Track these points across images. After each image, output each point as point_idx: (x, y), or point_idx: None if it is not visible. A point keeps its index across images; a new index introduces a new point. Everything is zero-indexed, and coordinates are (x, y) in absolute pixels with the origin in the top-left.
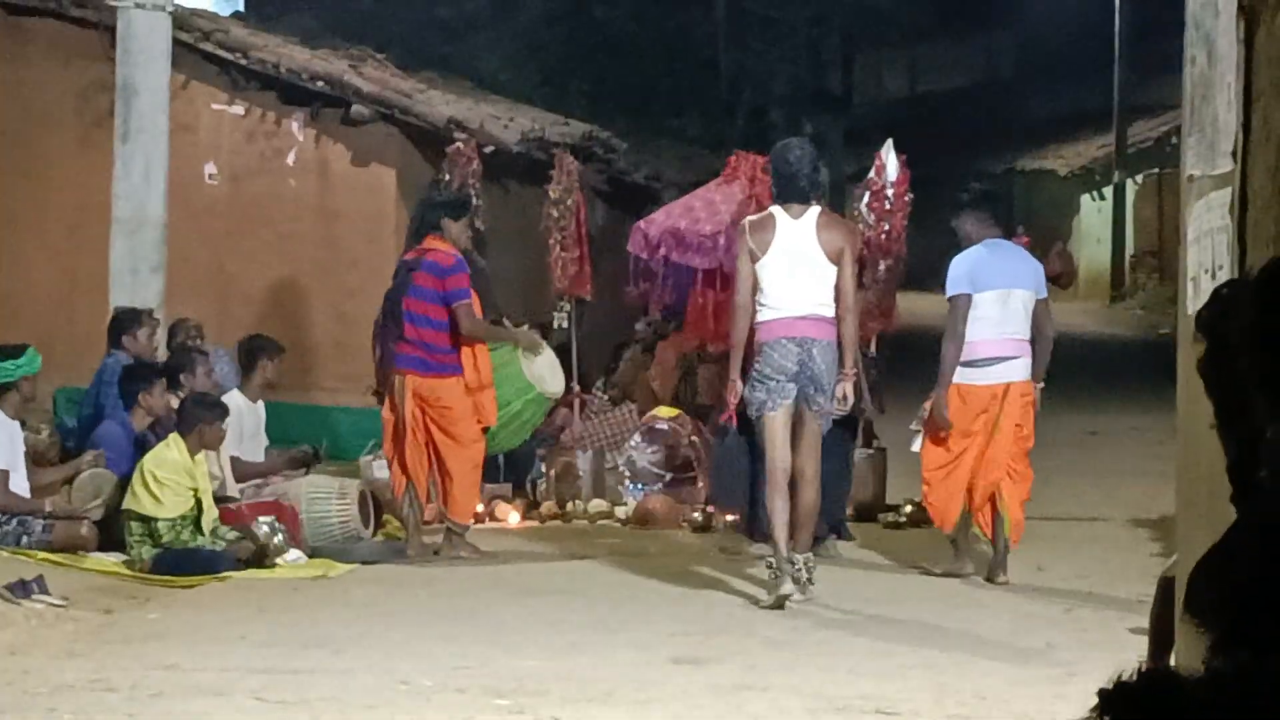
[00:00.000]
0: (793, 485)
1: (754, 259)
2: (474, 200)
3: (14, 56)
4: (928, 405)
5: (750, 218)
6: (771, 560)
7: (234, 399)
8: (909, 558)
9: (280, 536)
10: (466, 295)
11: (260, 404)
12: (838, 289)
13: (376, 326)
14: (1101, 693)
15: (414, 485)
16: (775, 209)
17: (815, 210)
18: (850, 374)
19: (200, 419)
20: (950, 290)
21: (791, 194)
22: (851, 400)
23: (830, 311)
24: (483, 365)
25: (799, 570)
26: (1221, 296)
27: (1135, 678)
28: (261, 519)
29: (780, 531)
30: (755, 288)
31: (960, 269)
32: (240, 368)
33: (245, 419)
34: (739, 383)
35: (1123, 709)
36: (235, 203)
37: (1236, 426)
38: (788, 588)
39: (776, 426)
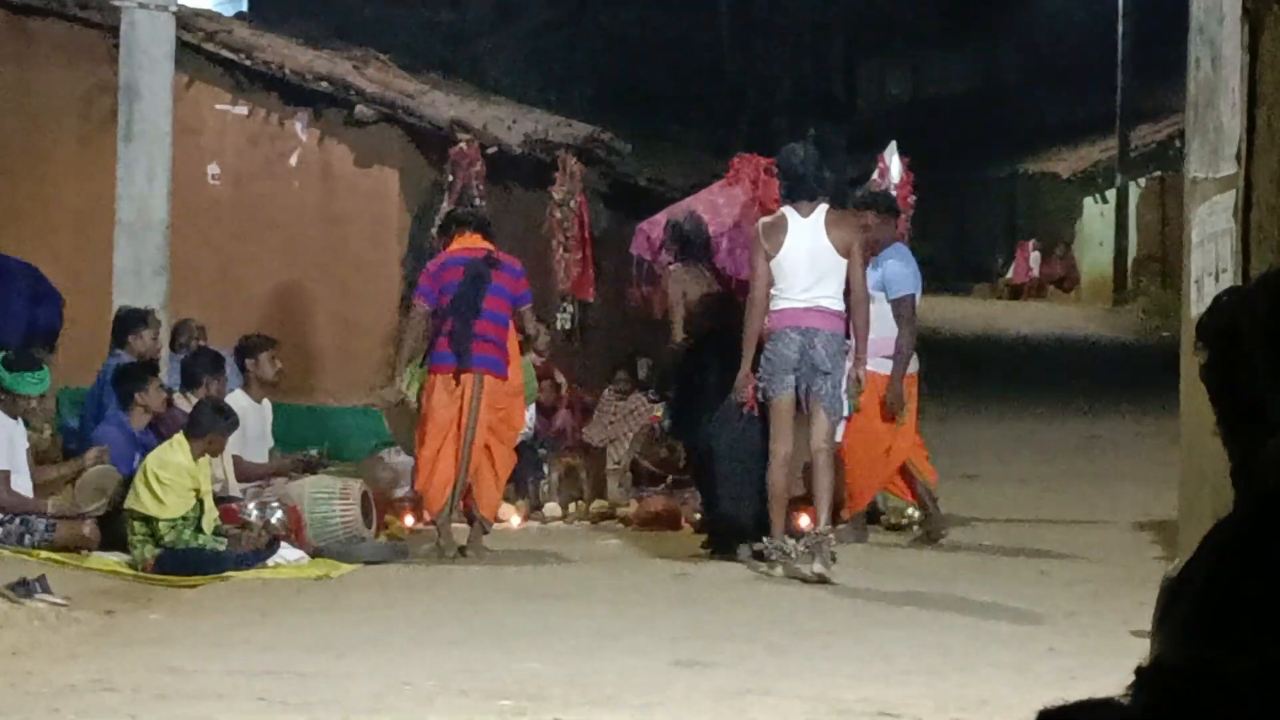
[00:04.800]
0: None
1: (768, 257)
2: (478, 203)
3: (17, 58)
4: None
5: (764, 220)
6: (769, 544)
7: (237, 400)
8: (909, 558)
9: (278, 514)
10: (531, 298)
11: (266, 404)
12: (849, 281)
13: (443, 315)
14: (1139, 671)
15: (461, 485)
16: (786, 209)
17: (823, 207)
18: (863, 359)
19: (216, 427)
20: (907, 290)
21: (800, 193)
22: (865, 384)
23: (837, 304)
24: (519, 370)
25: (823, 553)
26: (1223, 304)
27: (1175, 659)
28: (251, 505)
29: (778, 516)
30: (770, 285)
31: (910, 270)
32: (245, 358)
33: (249, 419)
34: (753, 375)
35: (1160, 690)
36: (238, 204)
37: (1241, 432)
38: (778, 571)
39: (782, 411)
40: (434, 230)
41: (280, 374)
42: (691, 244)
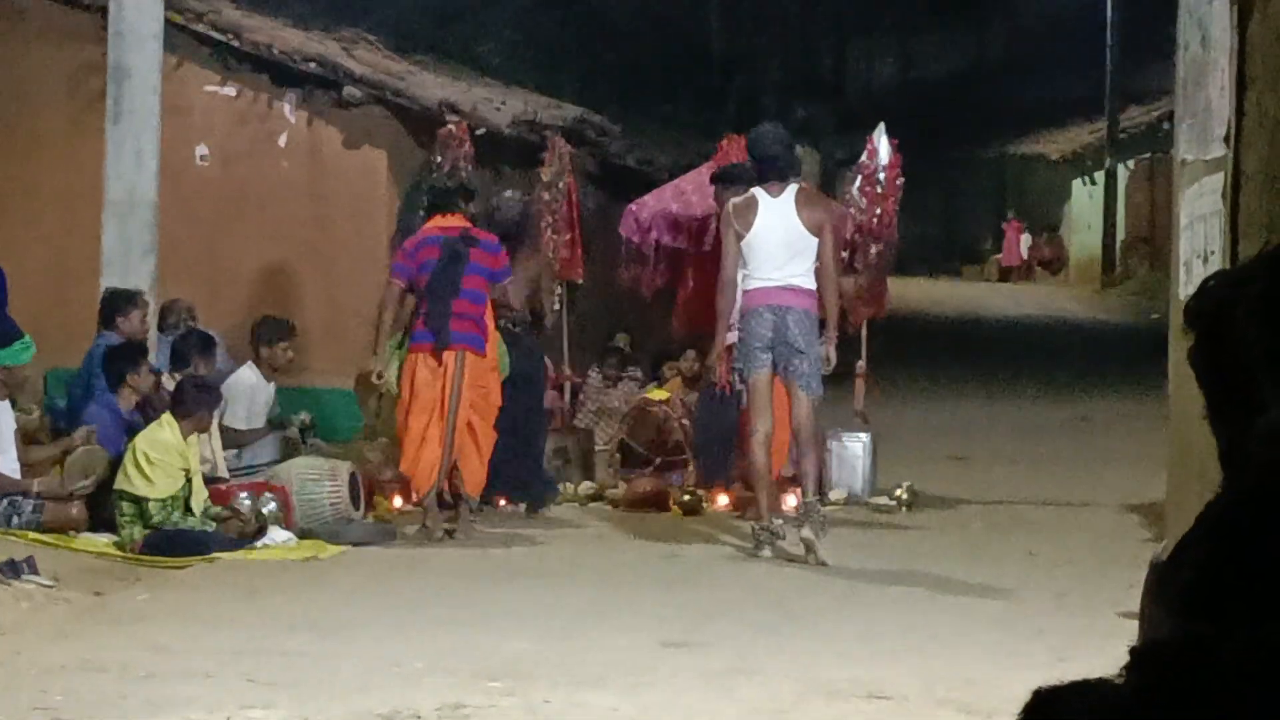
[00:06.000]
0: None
1: (739, 237)
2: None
3: (5, 37)
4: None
5: (734, 200)
6: (755, 525)
7: (246, 374)
8: (898, 539)
9: (271, 505)
10: (510, 274)
11: (272, 385)
12: (819, 260)
13: (421, 294)
14: (1133, 650)
15: (446, 465)
16: (756, 189)
17: (794, 187)
18: (833, 337)
19: (202, 404)
20: None
21: (770, 174)
22: (834, 362)
23: (809, 282)
24: (495, 346)
25: (813, 519)
26: (1211, 287)
27: (1170, 639)
28: (243, 494)
29: (763, 496)
30: (740, 264)
31: None
32: (260, 343)
33: (258, 395)
34: (725, 353)
35: (1156, 669)
36: (226, 185)
37: (1231, 414)
38: (765, 553)
39: (759, 389)
40: (421, 210)
41: (290, 364)
42: (506, 227)
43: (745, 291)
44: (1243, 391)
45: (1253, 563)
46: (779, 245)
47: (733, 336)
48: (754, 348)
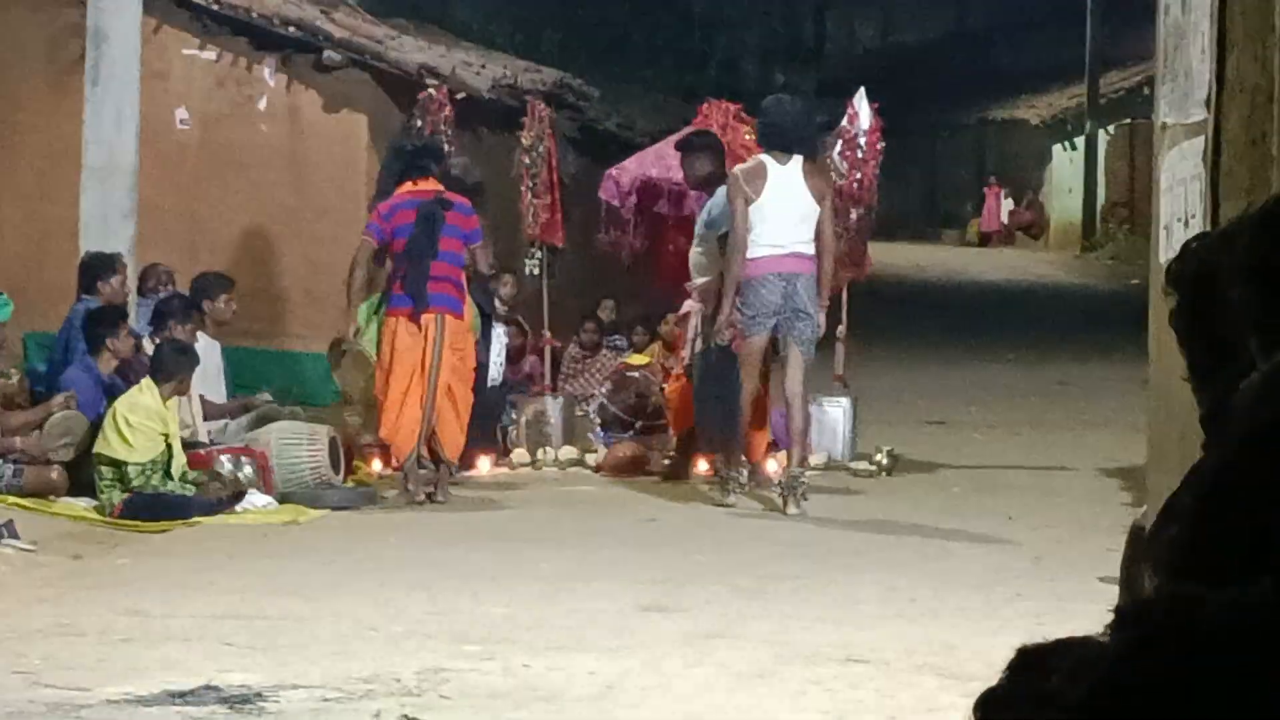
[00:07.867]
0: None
1: (749, 202)
2: (446, 147)
3: None
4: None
5: (741, 166)
6: (724, 472)
7: (201, 338)
8: (877, 503)
9: (249, 469)
10: (482, 236)
11: (218, 344)
12: (819, 228)
13: (398, 259)
14: (1118, 610)
15: (426, 428)
16: (764, 157)
17: (799, 158)
18: (826, 303)
19: (181, 367)
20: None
21: (776, 143)
22: (824, 327)
23: (811, 248)
24: (470, 308)
25: (796, 484)
26: (1192, 250)
27: (1157, 597)
28: (224, 457)
29: (738, 447)
30: (749, 229)
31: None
32: (201, 299)
33: (212, 355)
34: (736, 314)
35: (1142, 627)
36: (206, 149)
37: (1213, 376)
38: (731, 500)
39: (754, 352)
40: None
41: (233, 316)
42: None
43: (754, 259)
44: (1225, 352)
45: (1239, 522)
46: (787, 212)
47: (690, 304)
48: (761, 313)
